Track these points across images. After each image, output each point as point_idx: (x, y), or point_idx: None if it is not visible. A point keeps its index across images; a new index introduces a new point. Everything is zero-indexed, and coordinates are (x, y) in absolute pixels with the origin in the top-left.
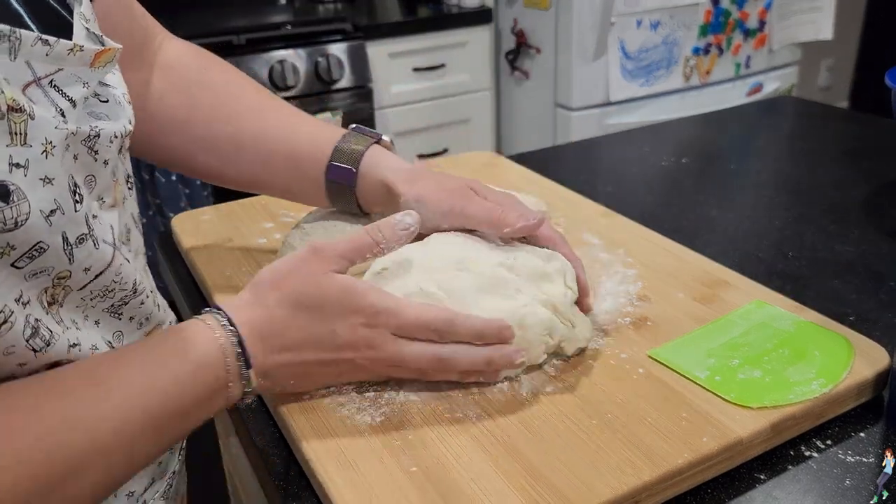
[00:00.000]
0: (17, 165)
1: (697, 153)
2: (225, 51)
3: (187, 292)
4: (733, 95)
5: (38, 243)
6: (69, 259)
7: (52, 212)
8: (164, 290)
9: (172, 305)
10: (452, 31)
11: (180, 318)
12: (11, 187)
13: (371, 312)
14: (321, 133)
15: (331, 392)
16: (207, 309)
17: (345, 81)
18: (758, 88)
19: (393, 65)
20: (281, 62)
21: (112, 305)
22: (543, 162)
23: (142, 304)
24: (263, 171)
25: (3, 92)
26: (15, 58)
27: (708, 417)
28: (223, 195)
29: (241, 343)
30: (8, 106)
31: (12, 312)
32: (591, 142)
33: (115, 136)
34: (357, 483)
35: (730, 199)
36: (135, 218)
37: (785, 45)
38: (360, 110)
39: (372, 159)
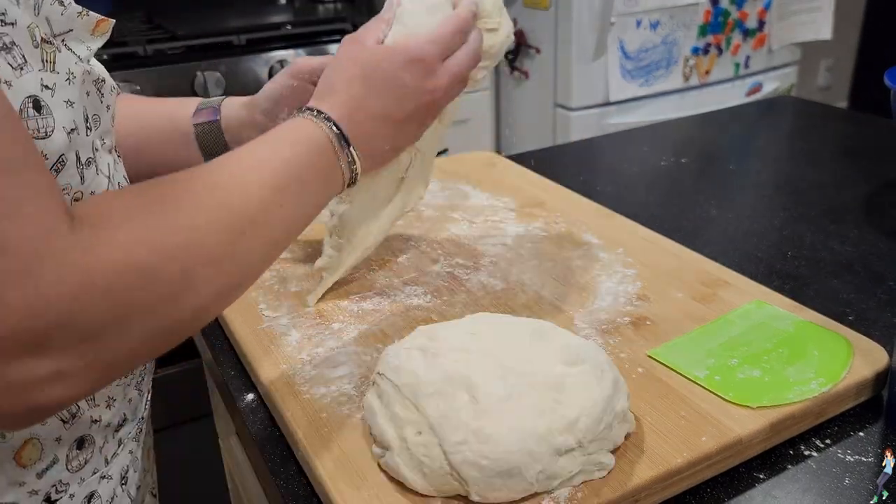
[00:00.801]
0: (47, 87)
1: (697, 153)
2: (225, 51)
3: None
4: (733, 95)
5: (60, 156)
6: (81, 178)
7: (72, 130)
8: None
9: None
10: None
11: None
12: (42, 103)
13: (416, 53)
14: (180, 102)
15: (331, 391)
16: (295, 113)
17: None
18: (757, 88)
19: None
20: (281, 62)
21: None
22: (543, 162)
23: None
24: (140, 132)
25: (38, 26)
26: (38, 13)
27: (707, 417)
28: None
29: (337, 126)
30: (41, 38)
31: None
32: (590, 142)
33: (113, 89)
34: (357, 483)
35: (729, 198)
36: (126, 178)
37: (784, 45)
38: None
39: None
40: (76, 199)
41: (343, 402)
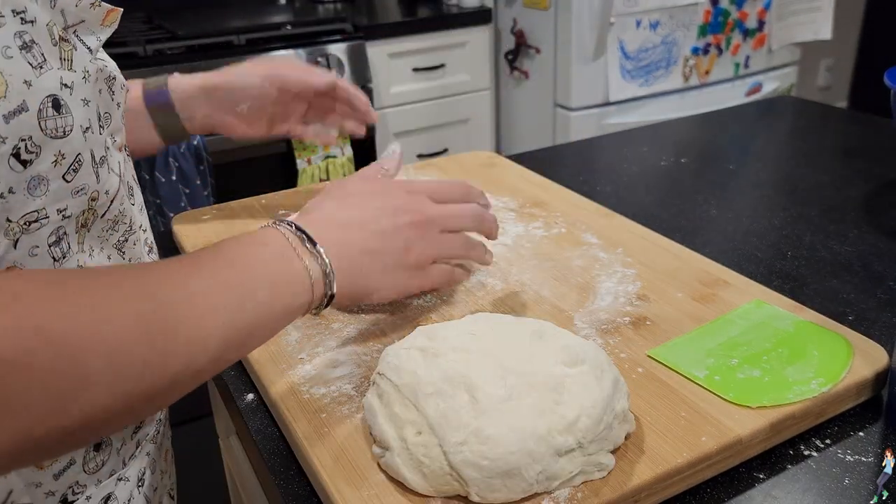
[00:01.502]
0: (66, 85)
1: (696, 153)
2: (225, 51)
3: None
4: (732, 95)
5: (78, 155)
6: (96, 177)
7: (87, 129)
8: None
9: None
10: (452, 31)
11: None
12: (62, 101)
13: (408, 185)
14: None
15: (331, 391)
16: (262, 226)
17: None
18: (757, 88)
19: (393, 65)
20: (299, 67)
21: (118, 241)
22: (543, 162)
23: (134, 244)
24: None
25: (55, 23)
26: (54, 6)
27: (707, 417)
28: (223, 195)
29: (298, 227)
30: (59, 36)
31: (46, 217)
32: (590, 142)
33: (123, 86)
34: (357, 483)
35: (729, 198)
36: (135, 177)
37: (784, 45)
38: None
39: (174, 79)
40: (93, 199)
41: (343, 402)
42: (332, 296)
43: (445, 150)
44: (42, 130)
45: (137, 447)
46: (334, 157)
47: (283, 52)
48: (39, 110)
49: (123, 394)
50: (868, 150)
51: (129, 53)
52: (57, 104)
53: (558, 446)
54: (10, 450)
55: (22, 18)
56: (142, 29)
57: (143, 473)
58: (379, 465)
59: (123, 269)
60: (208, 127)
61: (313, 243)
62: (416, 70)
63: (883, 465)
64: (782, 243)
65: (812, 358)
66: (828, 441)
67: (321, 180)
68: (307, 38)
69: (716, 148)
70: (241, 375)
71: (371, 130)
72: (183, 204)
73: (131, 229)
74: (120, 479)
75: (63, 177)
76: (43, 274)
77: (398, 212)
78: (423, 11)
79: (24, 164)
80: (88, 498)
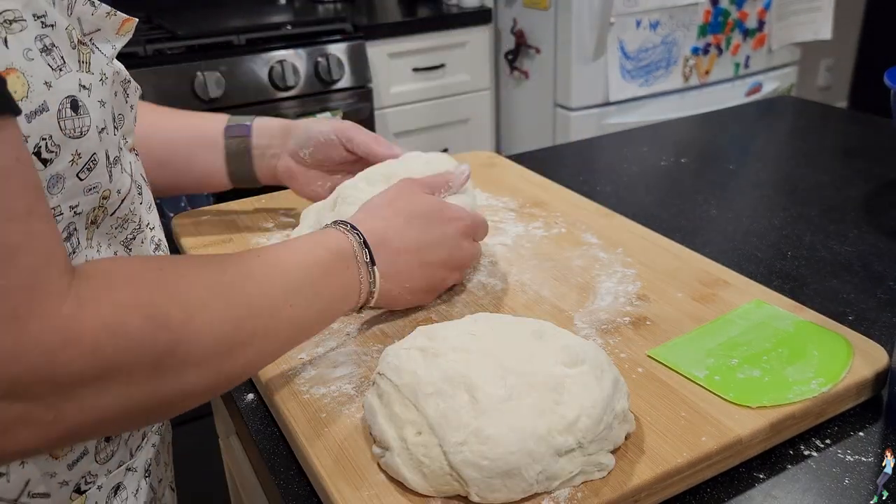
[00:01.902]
0: (84, 87)
1: (696, 153)
2: (225, 51)
3: None
4: (732, 95)
5: (93, 154)
6: (109, 176)
7: (102, 129)
8: None
9: None
10: (452, 31)
11: None
12: (80, 103)
13: (460, 217)
14: (210, 115)
15: (331, 391)
16: (329, 224)
17: (345, 82)
18: (757, 88)
19: (393, 65)
20: (281, 62)
21: (126, 238)
22: (543, 162)
23: (142, 242)
24: (167, 142)
25: (73, 28)
26: (71, 13)
27: (707, 417)
28: (223, 195)
29: (365, 243)
30: (78, 39)
31: (61, 214)
32: (590, 142)
33: (137, 89)
34: (357, 483)
35: (729, 198)
36: (144, 177)
37: (784, 45)
38: (360, 110)
39: (260, 118)
40: (105, 198)
41: (343, 402)
42: (362, 307)
43: (445, 150)
44: (61, 130)
45: (143, 438)
46: None
47: (283, 51)
48: (59, 111)
49: (214, 372)
50: (868, 150)
51: (129, 53)
52: (75, 105)
53: (558, 446)
54: (108, 414)
55: (42, 22)
56: (142, 29)
57: (149, 465)
58: (379, 465)
59: (223, 259)
60: (271, 169)
61: (373, 263)
62: (416, 70)
63: (883, 465)
64: (782, 243)
65: (812, 358)
66: (828, 441)
67: None
68: (307, 38)
69: (716, 148)
70: None
71: (371, 130)
72: (183, 204)
73: (139, 227)
74: (129, 470)
75: (77, 175)
76: (155, 261)
77: (451, 253)
78: (423, 11)
79: (45, 162)
80: (100, 487)
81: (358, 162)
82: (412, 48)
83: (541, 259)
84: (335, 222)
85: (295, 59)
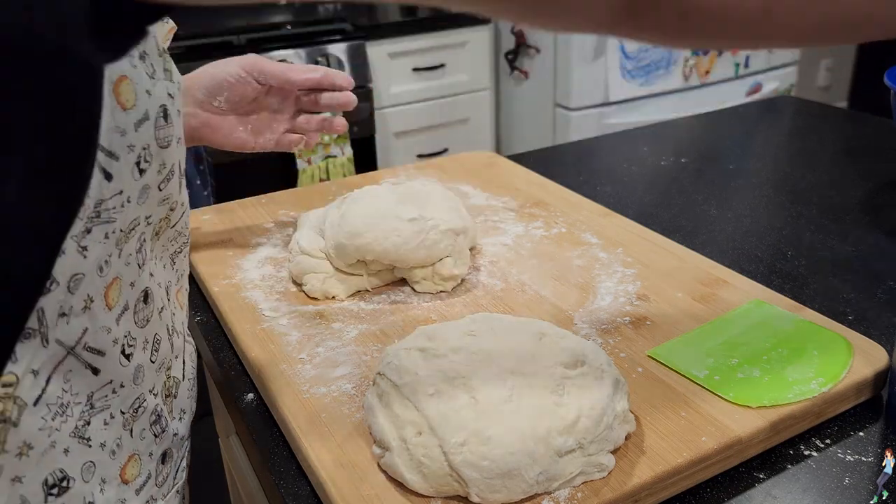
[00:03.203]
0: (170, 95)
1: (696, 153)
2: (225, 51)
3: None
4: (732, 95)
5: (172, 165)
6: (180, 188)
7: (180, 140)
8: None
9: None
10: (452, 31)
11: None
12: (169, 112)
13: None
14: None
15: (331, 391)
16: None
17: None
18: (757, 88)
19: (393, 65)
20: (281, 62)
21: (174, 252)
22: (543, 162)
23: (185, 256)
24: None
25: (155, 35)
26: None
27: (707, 417)
28: (223, 195)
29: None
30: (162, 47)
31: (139, 224)
32: (590, 142)
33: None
34: (357, 483)
35: (729, 198)
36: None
37: None
38: (360, 110)
39: None
40: (171, 209)
41: (343, 402)
42: None
43: (445, 150)
44: (156, 140)
45: (182, 459)
46: (334, 157)
47: (283, 51)
48: (155, 120)
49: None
50: (868, 150)
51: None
52: (166, 114)
53: (558, 447)
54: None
55: None
56: None
57: (184, 487)
58: (379, 465)
59: None
60: (187, 130)
61: None
62: (416, 70)
63: (883, 465)
64: (782, 243)
65: (812, 358)
66: (828, 441)
67: (321, 180)
68: (307, 38)
69: (716, 148)
70: (241, 375)
71: (371, 130)
72: None
73: (187, 241)
74: (178, 493)
75: (158, 186)
76: None
77: None
78: (423, 11)
79: (142, 172)
80: None
81: (269, 93)
82: (412, 48)
83: (541, 259)
84: None
85: (295, 59)
